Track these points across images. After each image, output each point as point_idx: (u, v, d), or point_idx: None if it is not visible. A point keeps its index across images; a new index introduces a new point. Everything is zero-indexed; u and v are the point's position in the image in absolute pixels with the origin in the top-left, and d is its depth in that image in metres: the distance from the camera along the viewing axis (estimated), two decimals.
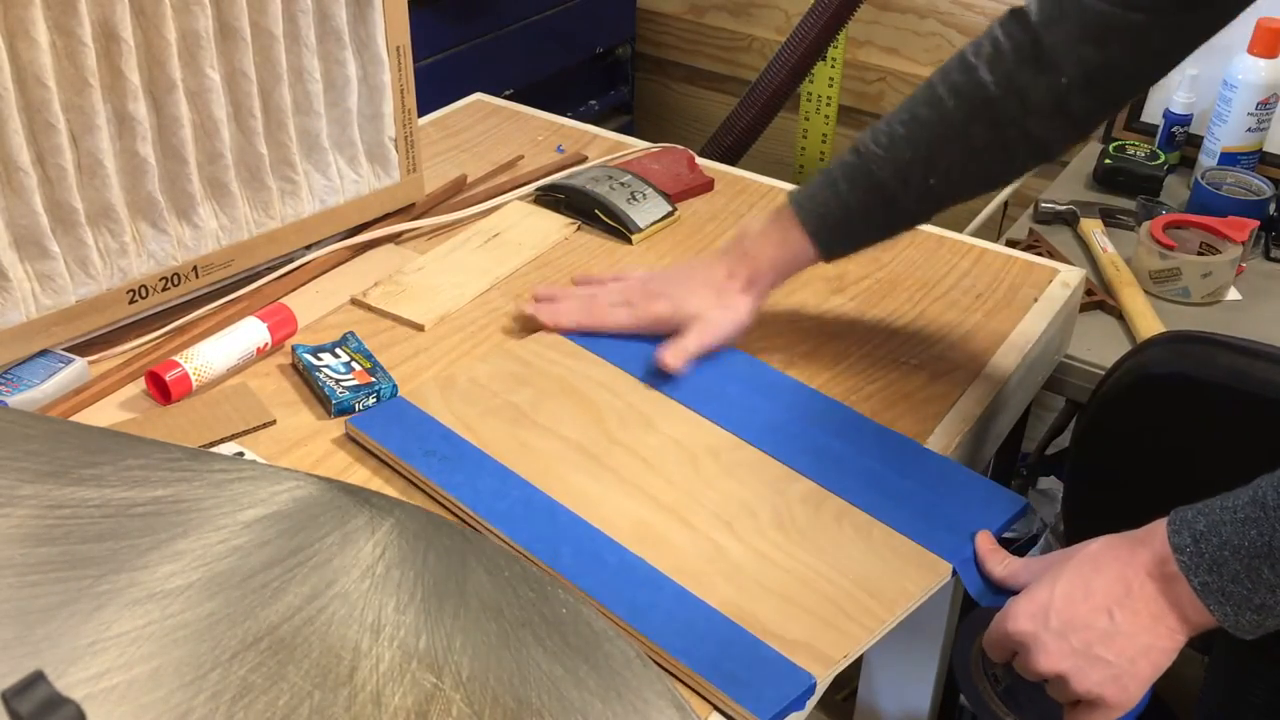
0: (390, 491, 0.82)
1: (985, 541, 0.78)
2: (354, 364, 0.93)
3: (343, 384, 0.91)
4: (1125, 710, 0.70)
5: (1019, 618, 0.70)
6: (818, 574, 0.76)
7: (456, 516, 0.80)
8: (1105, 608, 0.68)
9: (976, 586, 0.77)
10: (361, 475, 0.84)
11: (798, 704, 0.68)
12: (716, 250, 0.98)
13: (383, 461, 0.85)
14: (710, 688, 0.68)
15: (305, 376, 0.94)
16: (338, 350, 0.95)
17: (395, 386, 0.92)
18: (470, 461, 0.83)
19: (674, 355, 0.92)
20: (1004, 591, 0.76)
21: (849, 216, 0.90)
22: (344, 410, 0.90)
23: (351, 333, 0.98)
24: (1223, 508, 0.67)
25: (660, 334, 0.94)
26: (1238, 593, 0.65)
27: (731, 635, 0.71)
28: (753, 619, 0.72)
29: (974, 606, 0.77)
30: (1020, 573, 0.75)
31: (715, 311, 0.93)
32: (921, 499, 0.82)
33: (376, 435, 0.85)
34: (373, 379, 0.92)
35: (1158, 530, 0.69)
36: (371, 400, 0.90)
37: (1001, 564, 0.77)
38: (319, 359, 0.93)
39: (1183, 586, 0.66)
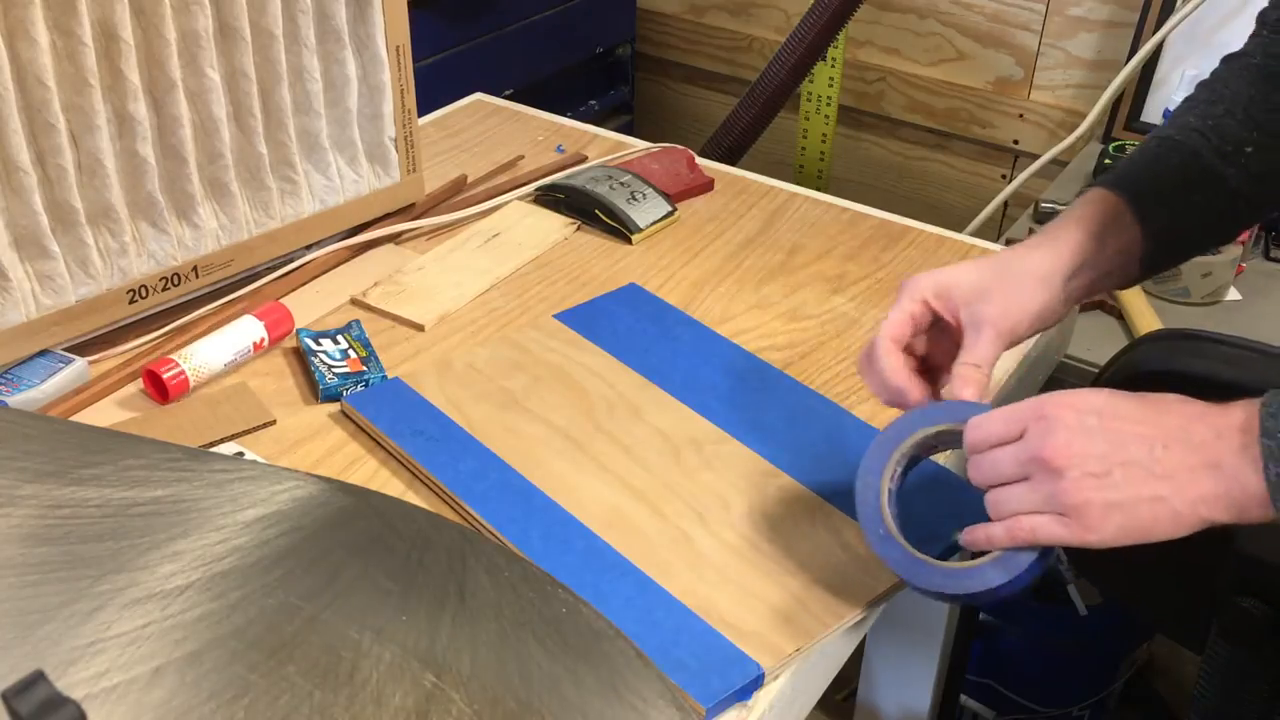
0: (391, 491, 0.82)
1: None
2: (350, 352, 0.94)
3: (334, 370, 0.92)
4: (1079, 543, 0.63)
5: (1061, 403, 0.62)
6: (782, 568, 0.76)
7: (439, 496, 0.82)
8: (1152, 440, 0.61)
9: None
10: (361, 475, 0.84)
11: (743, 693, 0.69)
12: None
13: (382, 461, 0.86)
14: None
15: (302, 360, 0.95)
16: (339, 337, 0.96)
17: (385, 378, 0.93)
18: (455, 443, 0.85)
19: (967, 381, 0.73)
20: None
21: (1165, 187, 0.80)
22: (330, 395, 0.91)
23: (357, 321, 0.99)
24: None
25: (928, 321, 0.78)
26: None
27: (686, 623, 0.72)
28: (711, 608, 0.73)
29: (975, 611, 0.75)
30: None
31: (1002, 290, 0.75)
32: (899, 502, 0.81)
33: (369, 414, 0.88)
34: (364, 368, 0.93)
35: (1248, 404, 0.61)
36: (359, 389, 0.92)
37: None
38: (319, 344, 0.95)
39: (1250, 466, 0.59)
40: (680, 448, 0.86)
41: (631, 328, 0.99)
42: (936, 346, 0.79)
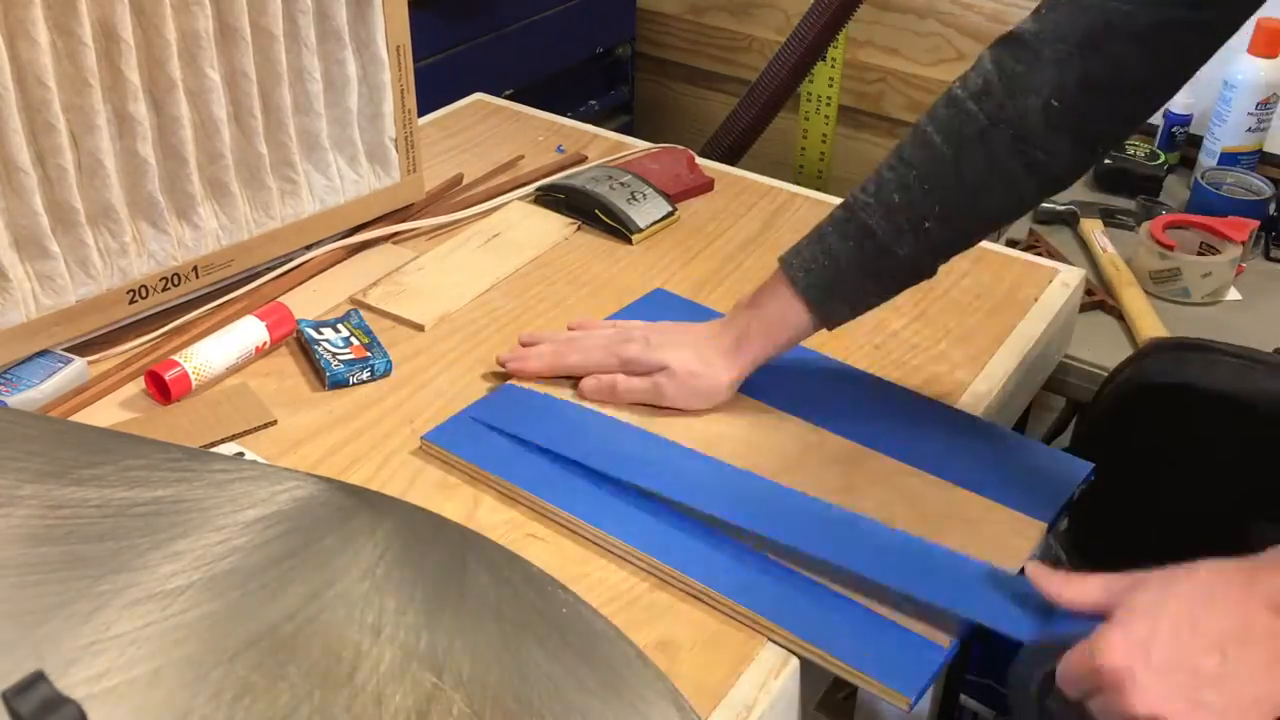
0: (391, 491, 0.82)
1: (1037, 569, 0.70)
2: (353, 339, 0.95)
3: (339, 358, 0.93)
4: None
5: (1114, 651, 0.61)
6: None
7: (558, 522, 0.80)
8: (1219, 646, 0.60)
9: (1026, 630, 0.70)
10: (362, 475, 0.84)
11: (937, 674, 0.70)
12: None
13: (382, 461, 0.85)
14: (851, 670, 0.70)
15: (305, 350, 0.96)
16: (339, 326, 0.97)
17: (389, 363, 0.94)
18: (553, 460, 0.83)
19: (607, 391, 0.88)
20: (1069, 620, 0.68)
21: (840, 271, 0.83)
22: (338, 382, 0.92)
23: (355, 310, 1.00)
24: None
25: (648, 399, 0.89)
26: None
27: (856, 615, 0.73)
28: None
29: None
30: (1097, 593, 0.66)
31: (690, 366, 0.87)
32: (999, 470, 0.84)
33: (462, 453, 0.84)
34: (368, 354, 0.94)
35: (1274, 575, 0.61)
36: (365, 374, 0.92)
37: (1067, 583, 0.67)
38: (320, 333, 0.96)
39: None
40: (824, 465, 0.84)
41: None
42: None
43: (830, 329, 0.87)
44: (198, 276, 1.00)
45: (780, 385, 0.91)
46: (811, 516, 0.79)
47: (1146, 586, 0.64)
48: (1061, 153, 0.79)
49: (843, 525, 0.79)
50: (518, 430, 0.86)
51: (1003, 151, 0.78)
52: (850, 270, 0.83)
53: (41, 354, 0.92)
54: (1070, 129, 0.78)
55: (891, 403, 0.91)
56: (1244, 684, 0.60)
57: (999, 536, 0.78)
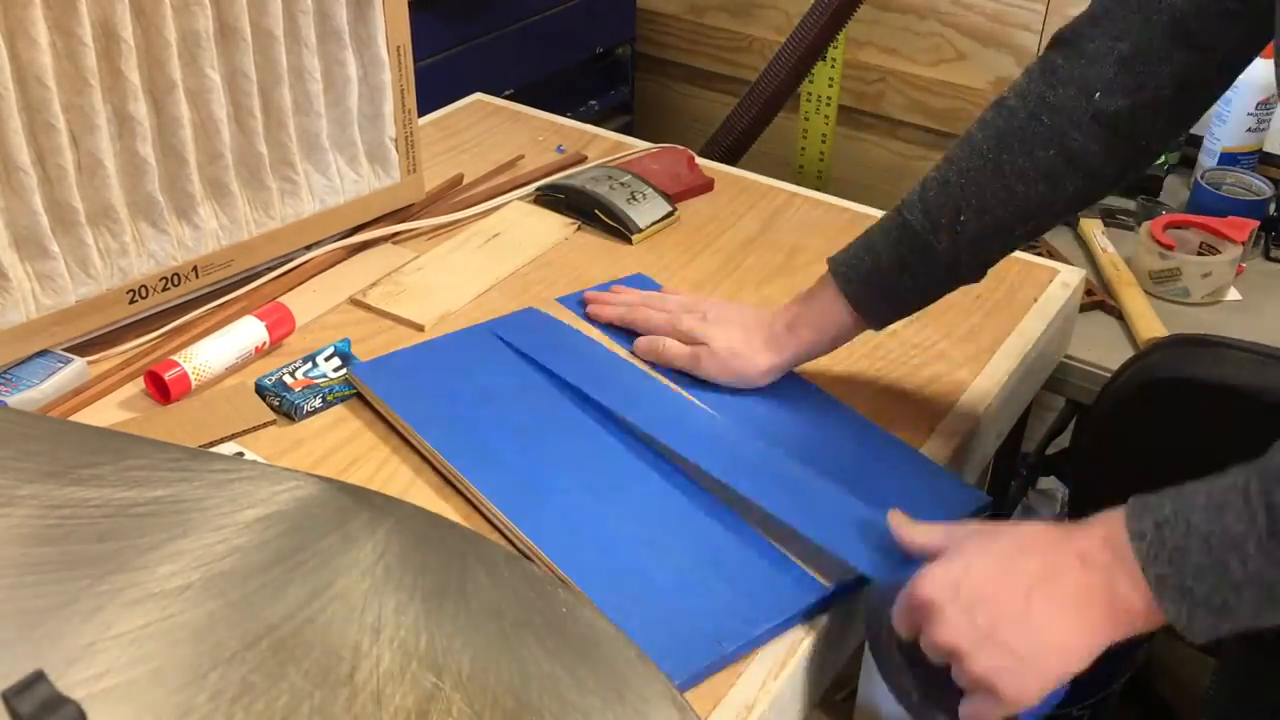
0: (391, 491, 0.82)
1: (896, 516, 0.72)
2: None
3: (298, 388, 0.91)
4: (1018, 708, 0.62)
5: (927, 584, 0.64)
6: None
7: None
8: (1025, 588, 0.62)
9: (874, 567, 0.72)
10: (361, 475, 0.84)
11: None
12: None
13: (382, 461, 0.85)
14: None
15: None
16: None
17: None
18: (464, 422, 0.86)
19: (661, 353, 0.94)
20: (915, 561, 0.70)
21: (879, 267, 0.84)
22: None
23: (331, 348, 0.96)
24: (1194, 490, 0.60)
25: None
26: (1198, 590, 0.58)
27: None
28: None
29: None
30: (938, 537, 0.69)
31: (734, 347, 0.90)
32: (885, 494, 0.79)
33: (378, 389, 0.88)
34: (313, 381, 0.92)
35: (1108, 517, 0.62)
36: (318, 401, 0.90)
37: (913, 527, 0.71)
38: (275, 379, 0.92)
39: (1125, 578, 0.60)
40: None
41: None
42: None
43: (878, 329, 0.88)
44: (198, 276, 1.00)
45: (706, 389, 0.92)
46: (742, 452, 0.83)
47: (977, 534, 0.67)
48: (1101, 145, 0.78)
49: (754, 456, 0.82)
50: (522, 344, 0.94)
51: (1040, 141, 0.79)
52: (889, 266, 0.84)
53: (41, 354, 0.92)
54: (1109, 121, 0.78)
55: (785, 411, 0.90)
56: (1045, 628, 0.61)
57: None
